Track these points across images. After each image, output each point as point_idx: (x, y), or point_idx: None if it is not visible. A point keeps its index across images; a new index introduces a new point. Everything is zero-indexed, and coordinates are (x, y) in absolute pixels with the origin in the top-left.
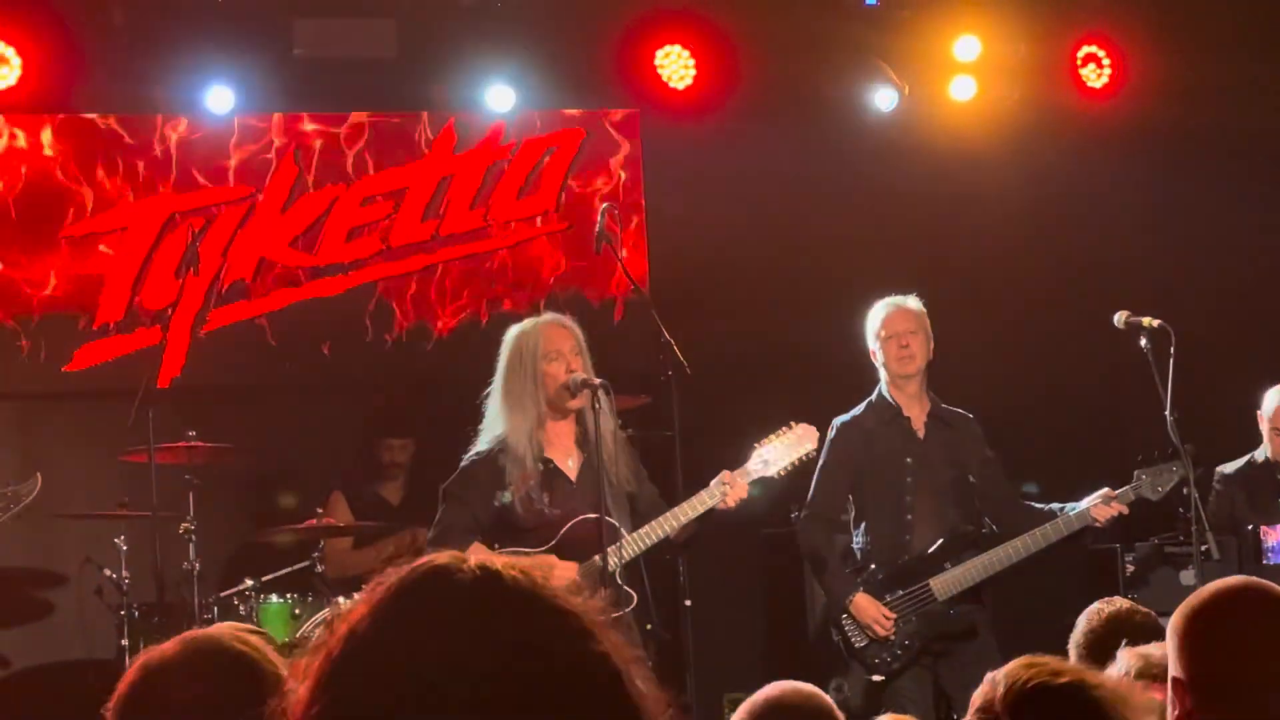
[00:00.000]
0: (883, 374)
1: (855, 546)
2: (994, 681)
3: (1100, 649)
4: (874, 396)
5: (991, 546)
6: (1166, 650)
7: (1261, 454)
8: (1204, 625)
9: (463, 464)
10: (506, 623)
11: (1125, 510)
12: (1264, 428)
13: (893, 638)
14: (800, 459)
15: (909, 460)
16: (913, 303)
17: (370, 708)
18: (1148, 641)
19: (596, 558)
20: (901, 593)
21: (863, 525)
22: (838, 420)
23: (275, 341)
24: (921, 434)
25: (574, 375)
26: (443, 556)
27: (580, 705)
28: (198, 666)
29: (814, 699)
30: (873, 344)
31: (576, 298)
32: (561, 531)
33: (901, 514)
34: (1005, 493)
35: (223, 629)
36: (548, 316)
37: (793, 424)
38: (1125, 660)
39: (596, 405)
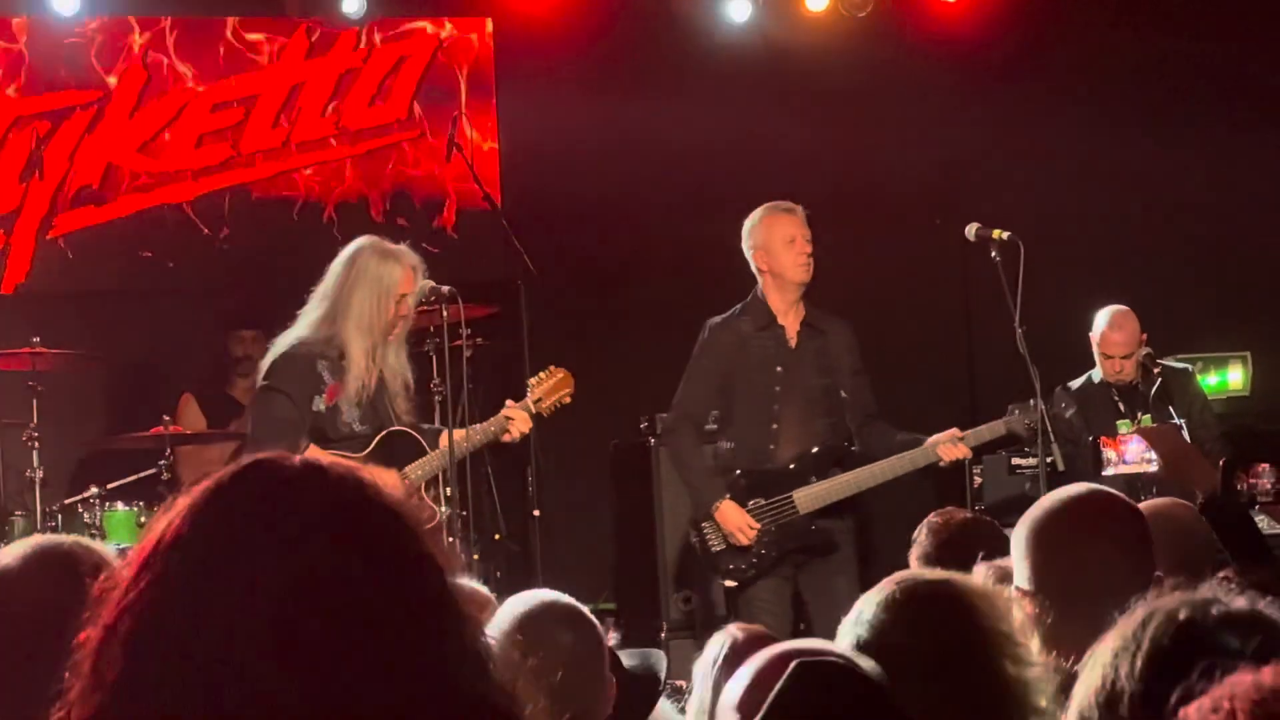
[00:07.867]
0: (762, 279)
1: (721, 451)
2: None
3: (952, 560)
4: (750, 300)
5: (858, 464)
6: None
7: (1098, 373)
8: (1046, 535)
9: (278, 353)
10: (334, 519)
11: (969, 454)
12: (1094, 349)
13: (751, 546)
14: (562, 400)
15: (779, 369)
16: (801, 211)
17: (187, 616)
18: (995, 551)
19: (405, 469)
20: (764, 501)
21: (729, 431)
22: (711, 322)
23: (122, 246)
24: (794, 343)
25: (423, 283)
26: (268, 454)
27: (405, 603)
28: (42, 573)
29: (560, 602)
30: (765, 247)
31: (427, 204)
32: (371, 444)
33: (768, 423)
34: (866, 409)
35: (68, 537)
36: (410, 258)
37: (553, 368)
38: (983, 573)
39: (445, 313)
